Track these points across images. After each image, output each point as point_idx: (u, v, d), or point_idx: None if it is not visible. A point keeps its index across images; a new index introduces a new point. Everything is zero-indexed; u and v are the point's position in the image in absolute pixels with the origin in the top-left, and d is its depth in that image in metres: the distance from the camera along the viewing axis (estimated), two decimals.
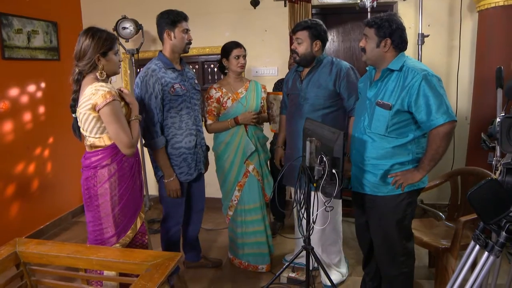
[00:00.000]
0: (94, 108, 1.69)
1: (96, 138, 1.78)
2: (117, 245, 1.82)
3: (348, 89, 2.26)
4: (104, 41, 1.75)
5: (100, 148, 1.79)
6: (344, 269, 2.58)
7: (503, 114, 1.21)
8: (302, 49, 2.27)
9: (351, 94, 2.26)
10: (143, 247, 1.89)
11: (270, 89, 3.56)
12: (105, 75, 1.78)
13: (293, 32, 2.33)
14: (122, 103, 1.83)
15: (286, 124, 2.53)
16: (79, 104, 1.75)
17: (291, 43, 3.47)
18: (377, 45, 1.82)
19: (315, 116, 2.27)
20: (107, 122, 1.71)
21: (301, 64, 2.33)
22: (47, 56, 3.47)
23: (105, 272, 1.64)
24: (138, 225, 1.89)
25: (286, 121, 2.53)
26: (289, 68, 3.15)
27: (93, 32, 1.75)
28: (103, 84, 1.73)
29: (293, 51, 2.31)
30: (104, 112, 1.68)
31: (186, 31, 2.27)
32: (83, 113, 1.73)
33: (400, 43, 1.81)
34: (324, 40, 2.31)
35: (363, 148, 1.92)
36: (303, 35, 2.26)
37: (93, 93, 1.68)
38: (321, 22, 2.31)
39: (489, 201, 1.24)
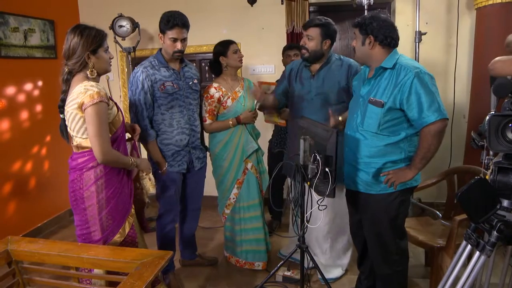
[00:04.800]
0: (80, 107, 1.63)
1: (83, 138, 1.71)
2: None
3: None
4: (94, 38, 1.68)
5: (86, 149, 1.72)
6: (346, 260, 2.61)
7: (493, 112, 1.20)
8: (312, 45, 2.27)
9: None
10: (134, 245, 1.86)
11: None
12: (95, 73, 1.72)
13: (304, 27, 2.31)
14: (114, 107, 1.78)
15: (291, 121, 2.53)
16: (67, 103, 1.69)
17: (288, 41, 3.45)
18: (362, 43, 1.84)
19: (326, 110, 2.27)
20: (88, 122, 1.64)
21: (309, 60, 2.34)
22: (44, 55, 3.47)
23: (95, 270, 1.63)
24: (127, 230, 1.83)
25: (292, 118, 2.52)
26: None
27: (81, 29, 1.68)
28: (93, 84, 1.67)
29: (302, 47, 2.30)
30: (88, 112, 1.63)
31: (174, 40, 2.23)
32: (70, 112, 1.67)
33: (384, 40, 1.80)
34: (333, 40, 2.33)
35: (356, 146, 1.91)
36: (314, 32, 2.26)
37: (81, 92, 1.63)
38: (333, 22, 2.31)
39: (478, 200, 1.23)
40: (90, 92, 1.62)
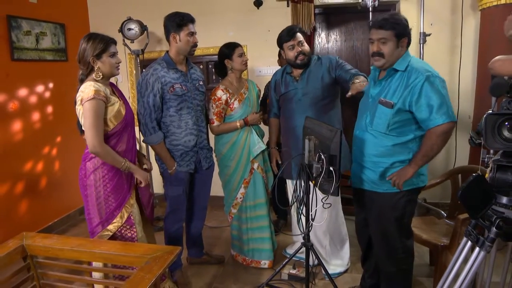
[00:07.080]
0: (81, 103, 1.84)
1: None
2: (104, 234, 1.92)
3: (343, 67, 2.40)
4: (98, 44, 1.87)
5: None
6: (346, 254, 2.67)
7: (490, 111, 1.24)
8: (307, 48, 2.43)
9: (347, 68, 2.40)
10: (131, 234, 1.98)
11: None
12: (100, 76, 1.90)
13: (292, 36, 2.41)
14: (117, 103, 1.93)
15: (283, 122, 2.62)
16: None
17: None
18: (397, 45, 1.81)
19: (317, 107, 2.42)
20: (83, 116, 1.84)
21: (306, 64, 2.45)
22: (55, 57, 3.55)
23: (94, 264, 1.71)
24: (125, 218, 1.98)
25: (283, 120, 2.61)
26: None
27: (89, 36, 1.90)
28: (92, 83, 1.85)
29: (300, 53, 2.40)
30: (84, 107, 1.82)
31: (192, 34, 2.32)
32: (77, 108, 1.88)
33: (410, 40, 1.85)
34: None
35: (364, 145, 1.94)
36: (301, 37, 2.43)
37: (82, 91, 1.84)
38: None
39: (476, 196, 1.26)
40: (87, 90, 1.83)
